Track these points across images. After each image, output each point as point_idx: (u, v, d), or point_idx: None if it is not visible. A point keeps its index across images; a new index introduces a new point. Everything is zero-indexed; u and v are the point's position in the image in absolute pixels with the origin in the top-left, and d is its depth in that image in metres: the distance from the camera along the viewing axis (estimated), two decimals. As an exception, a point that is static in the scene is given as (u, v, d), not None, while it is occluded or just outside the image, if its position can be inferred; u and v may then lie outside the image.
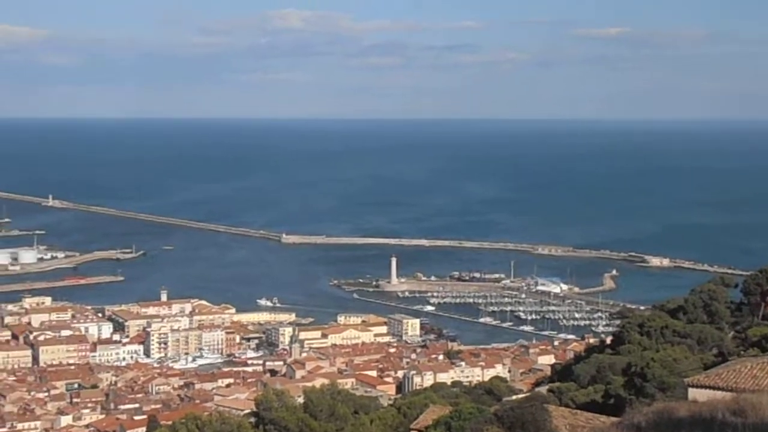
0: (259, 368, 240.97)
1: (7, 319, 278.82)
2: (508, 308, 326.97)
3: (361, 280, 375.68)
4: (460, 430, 39.21)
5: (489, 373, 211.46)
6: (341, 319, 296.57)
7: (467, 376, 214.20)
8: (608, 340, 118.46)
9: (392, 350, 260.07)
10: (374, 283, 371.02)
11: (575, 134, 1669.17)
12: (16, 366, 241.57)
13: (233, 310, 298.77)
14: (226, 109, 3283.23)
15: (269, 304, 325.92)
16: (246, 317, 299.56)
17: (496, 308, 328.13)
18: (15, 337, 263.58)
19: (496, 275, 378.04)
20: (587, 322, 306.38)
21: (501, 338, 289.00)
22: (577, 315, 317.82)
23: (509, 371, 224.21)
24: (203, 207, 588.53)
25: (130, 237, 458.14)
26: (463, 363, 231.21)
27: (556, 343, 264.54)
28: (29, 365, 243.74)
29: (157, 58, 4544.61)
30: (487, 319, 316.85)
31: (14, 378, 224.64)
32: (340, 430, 79.05)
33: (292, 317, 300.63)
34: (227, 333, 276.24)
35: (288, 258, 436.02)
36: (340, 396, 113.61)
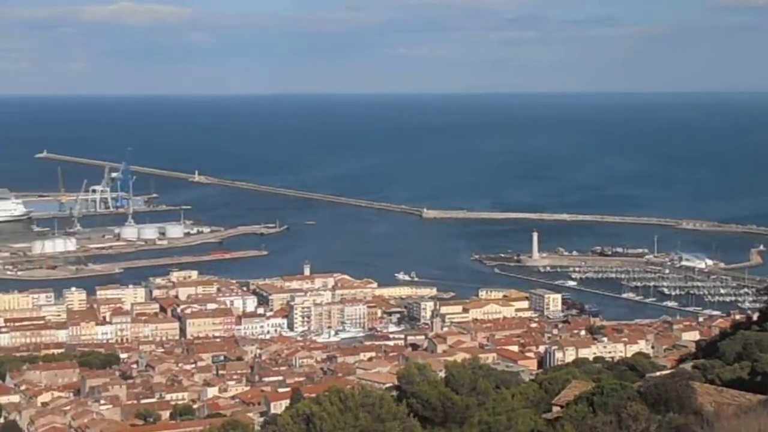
0: (401, 342, 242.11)
1: (156, 293, 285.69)
2: (652, 284, 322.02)
3: (502, 255, 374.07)
4: (603, 406, 38.98)
5: (632, 349, 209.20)
6: (482, 293, 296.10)
7: (609, 352, 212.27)
8: (755, 316, 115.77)
9: (533, 325, 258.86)
10: (515, 257, 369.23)
11: (719, 105, 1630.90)
12: (164, 338, 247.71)
13: (375, 285, 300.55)
14: (366, 84, 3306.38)
15: (407, 278, 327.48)
16: (388, 291, 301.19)
17: (639, 283, 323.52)
18: (163, 309, 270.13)
19: (639, 250, 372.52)
20: (733, 298, 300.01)
21: (644, 314, 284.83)
22: (722, 291, 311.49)
23: (652, 347, 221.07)
24: (345, 182, 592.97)
25: (274, 212, 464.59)
26: (605, 339, 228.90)
27: (700, 319, 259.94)
28: (177, 337, 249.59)
29: (299, 35, 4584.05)
30: (630, 295, 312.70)
31: (163, 350, 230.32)
32: (481, 404, 79.04)
33: (434, 292, 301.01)
34: (369, 307, 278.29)
35: (429, 232, 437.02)
36: (482, 371, 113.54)
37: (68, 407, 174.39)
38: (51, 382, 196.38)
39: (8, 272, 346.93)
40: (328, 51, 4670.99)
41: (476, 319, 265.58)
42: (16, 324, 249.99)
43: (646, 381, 43.33)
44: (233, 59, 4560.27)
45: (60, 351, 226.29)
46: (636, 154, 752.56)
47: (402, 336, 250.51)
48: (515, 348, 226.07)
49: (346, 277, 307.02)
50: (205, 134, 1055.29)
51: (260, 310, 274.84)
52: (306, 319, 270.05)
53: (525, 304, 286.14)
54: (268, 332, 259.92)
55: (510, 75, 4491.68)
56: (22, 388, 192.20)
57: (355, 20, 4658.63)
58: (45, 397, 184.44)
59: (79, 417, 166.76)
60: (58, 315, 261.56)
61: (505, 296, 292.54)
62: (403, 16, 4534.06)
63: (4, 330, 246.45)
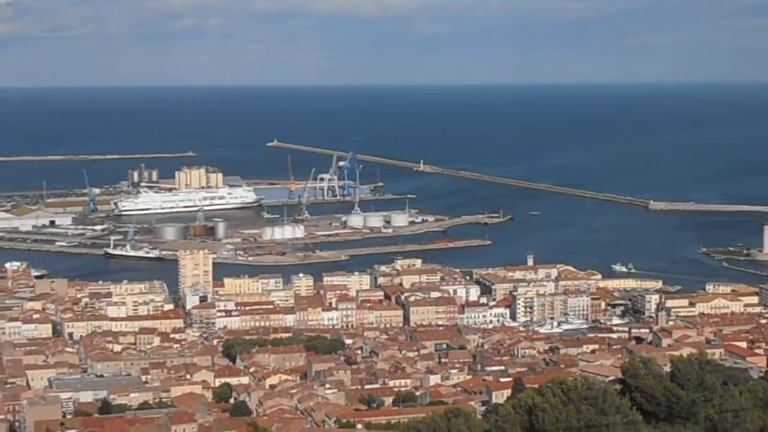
0: (625, 335, 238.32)
1: (380, 280, 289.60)
2: None
3: (731, 248, 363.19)
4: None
5: None
6: (710, 287, 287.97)
7: None
8: None
9: (763, 321, 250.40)
10: (745, 251, 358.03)
11: None
12: (388, 325, 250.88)
13: (599, 276, 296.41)
14: (591, 74, 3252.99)
15: (624, 269, 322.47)
16: (611, 283, 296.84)
17: None
18: (387, 297, 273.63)
19: None
20: None
21: None
22: None
23: None
24: (570, 172, 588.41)
25: (497, 201, 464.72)
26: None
27: None
28: (400, 325, 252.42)
29: (529, 24, 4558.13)
30: None
31: (386, 336, 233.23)
32: (708, 400, 77.33)
33: (659, 284, 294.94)
34: (592, 299, 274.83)
35: (655, 224, 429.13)
36: (709, 366, 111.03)
37: (295, 390, 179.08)
38: (279, 366, 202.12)
39: (239, 258, 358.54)
40: (562, 41, 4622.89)
41: (703, 314, 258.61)
42: (247, 308, 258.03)
43: None
44: (464, 49, 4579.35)
45: (288, 335, 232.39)
46: None
47: (626, 329, 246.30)
48: (743, 344, 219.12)
49: (570, 268, 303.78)
50: (431, 124, 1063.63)
51: (483, 300, 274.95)
52: (529, 309, 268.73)
53: (755, 299, 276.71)
54: (491, 322, 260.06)
55: (743, 63, 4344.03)
56: (252, 370, 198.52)
57: (586, 10, 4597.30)
58: (273, 380, 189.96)
59: (305, 400, 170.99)
60: (286, 300, 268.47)
61: (733, 291, 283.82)
62: (636, 5, 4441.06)
63: (235, 314, 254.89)
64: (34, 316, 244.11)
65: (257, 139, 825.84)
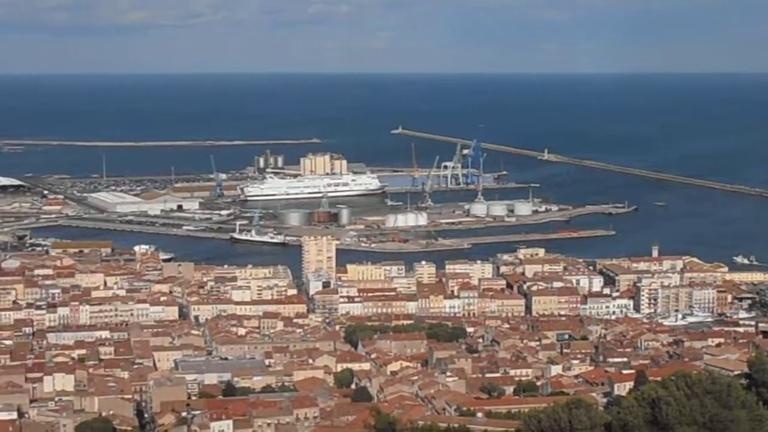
0: (751, 329, 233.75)
1: (503, 269, 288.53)
2: None
3: None
4: None
5: None
6: None
7: None
8: None
9: None
10: None
11: None
12: (509, 314, 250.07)
13: (726, 269, 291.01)
14: (719, 63, 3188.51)
15: (746, 261, 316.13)
16: (739, 276, 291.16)
17: None
18: (509, 286, 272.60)
19: None
20: None
21: None
22: None
23: None
24: (698, 163, 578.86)
25: (622, 191, 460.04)
26: None
27: None
28: (522, 314, 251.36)
29: (647, 14, 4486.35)
30: None
31: (508, 326, 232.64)
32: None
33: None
34: (718, 292, 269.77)
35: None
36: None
37: (416, 377, 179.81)
38: (400, 352, 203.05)
39: (362, 244, 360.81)
40: (682, 30, 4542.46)
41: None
42: (369, 294, 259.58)
43: None
44: (580, 38, 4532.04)
45: (409, 322, 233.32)
46: None
47: (753, 323, 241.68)
48: None
49: (695, 260, 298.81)
50: (555, 113, 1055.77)
51: (606, 291, 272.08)
52: (653, 301, 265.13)
53: None
54: (614, 313, 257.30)
55: None
56: (373, 356, 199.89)
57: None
58: (394, 366, 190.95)
59: (426, 387, 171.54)
60: (409, 287, 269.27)
61: None
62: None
63: (357, 300, 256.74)
64: (162, 299, 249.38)
65: (382, 127, 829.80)
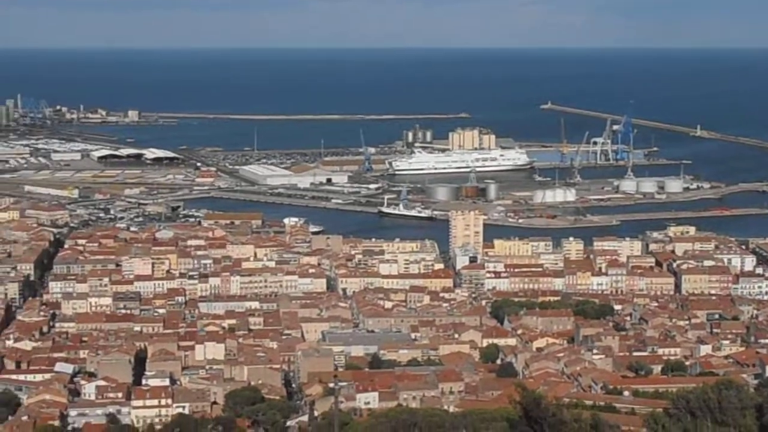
0: None
1: (652, 246, 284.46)
2: None
3: None
4: None
5: None
6: None
7: None
8: None
9: None
10: None
11: None
12: (658, 292, 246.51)
13: None
14: None
15: None
16: None
17: None
18: (659, 264, 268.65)
19: None
20: None
21: None
22: None
23: None
24: None
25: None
26: None
27: None
28: (671, 293, 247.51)
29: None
30: None
31: (656, 304, 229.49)
32: None
33: None
34: None
35: None
36: None
37: (562, 354, 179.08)
38: (546, 329, 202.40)
39: (510, 220, 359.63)
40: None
41: None
42: (515, 270, 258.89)
43: None
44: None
45: (556, 299, 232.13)
46: None
47: None
48: None
49: None
50: (709, 88, 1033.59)
51: (759, 270, 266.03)
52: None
53: None
54: (767, 293, 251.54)
55: None
56: (519, 332, 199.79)
57: None
58: (540, 343, 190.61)
59: (572, 364, 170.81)
60: (556, 263, 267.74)
61: None
62: None
63: (504, 275, 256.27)
64: (310, 271, 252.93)
65: (531, 102, 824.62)
